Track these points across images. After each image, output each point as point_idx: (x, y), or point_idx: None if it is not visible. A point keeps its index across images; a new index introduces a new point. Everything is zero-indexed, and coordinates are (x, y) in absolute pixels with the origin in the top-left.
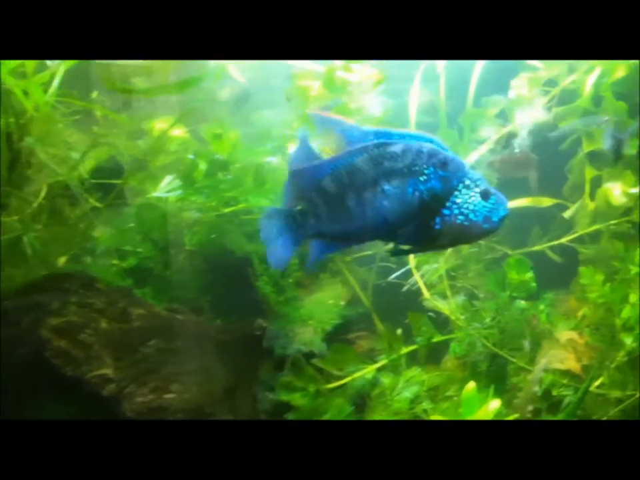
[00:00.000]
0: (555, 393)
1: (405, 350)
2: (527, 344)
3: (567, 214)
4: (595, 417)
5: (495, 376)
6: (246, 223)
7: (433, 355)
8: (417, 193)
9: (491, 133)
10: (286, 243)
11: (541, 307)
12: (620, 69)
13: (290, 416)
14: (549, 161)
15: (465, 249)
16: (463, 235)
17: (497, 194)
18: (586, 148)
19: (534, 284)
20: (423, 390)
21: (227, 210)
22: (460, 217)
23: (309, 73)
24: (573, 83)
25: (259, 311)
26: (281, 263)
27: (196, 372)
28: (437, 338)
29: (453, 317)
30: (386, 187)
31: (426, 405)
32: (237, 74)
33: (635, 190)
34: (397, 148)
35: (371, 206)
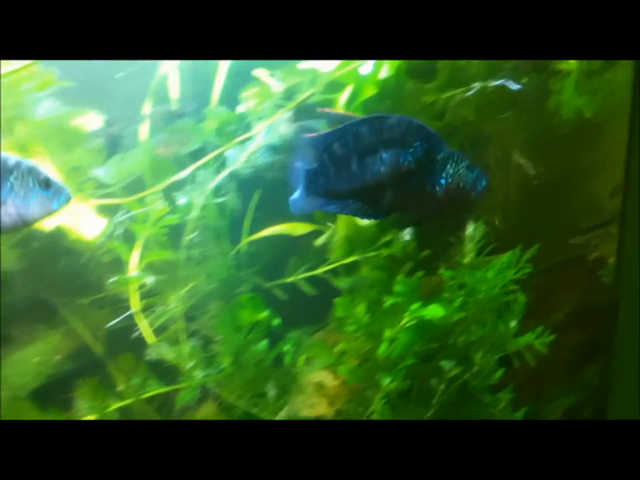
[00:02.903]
0: None
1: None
2: (272, 390)
3: (318, 241)
4: None
5: None
6: None
7: None
8: (405, 163)
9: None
10: (302, 194)
11: (286, 347)
12: (370, 88)
13: None
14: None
15: (203, 286)
16: (456, 199)
17: (478, 168)
18: None
19: (276, 321)
20: None
21: None
22: (452, 184)
23: None
24: (313, 97)
25: None
26: (298, 210)
27: None
28: (156, 391)
29: (180, 365)
30: (383, 154)
31: None
32: None
33: None
34: (392, 120)
35: (370, 170)
